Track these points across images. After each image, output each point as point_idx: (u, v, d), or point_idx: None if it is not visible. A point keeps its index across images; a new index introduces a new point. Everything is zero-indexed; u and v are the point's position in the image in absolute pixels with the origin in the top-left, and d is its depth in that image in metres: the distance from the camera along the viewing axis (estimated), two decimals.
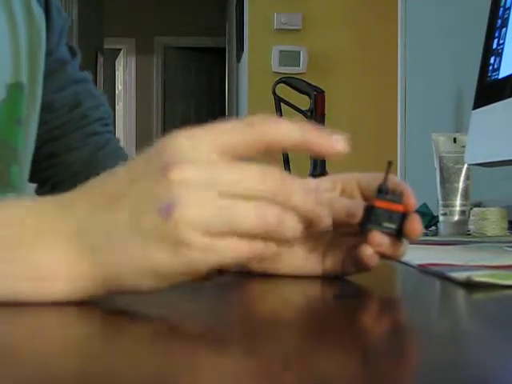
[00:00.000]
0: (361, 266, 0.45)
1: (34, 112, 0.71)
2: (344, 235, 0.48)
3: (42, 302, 0.36)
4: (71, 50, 0.82)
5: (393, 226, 0.43)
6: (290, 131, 0.37)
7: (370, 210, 0.43)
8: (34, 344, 0.28)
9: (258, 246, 0.35)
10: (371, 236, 0.43)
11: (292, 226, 0.36)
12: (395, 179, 0.45)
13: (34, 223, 0.37)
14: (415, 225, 0.43)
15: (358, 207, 0.45)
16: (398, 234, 0.43)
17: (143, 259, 0.35)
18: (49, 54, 0.76)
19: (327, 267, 0.48)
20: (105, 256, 0.35)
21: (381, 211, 0.43)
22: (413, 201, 0.44)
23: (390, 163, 0.44)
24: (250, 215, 0.35)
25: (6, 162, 0.67)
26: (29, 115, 0.70)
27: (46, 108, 0.76)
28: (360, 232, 0.44)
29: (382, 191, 0.43)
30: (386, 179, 0.44)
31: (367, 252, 0.43)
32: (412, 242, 0.46)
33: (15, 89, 0.67)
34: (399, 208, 0.43)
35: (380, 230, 0.43)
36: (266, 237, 0.35)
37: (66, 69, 0.80)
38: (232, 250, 0.35)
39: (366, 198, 0.48)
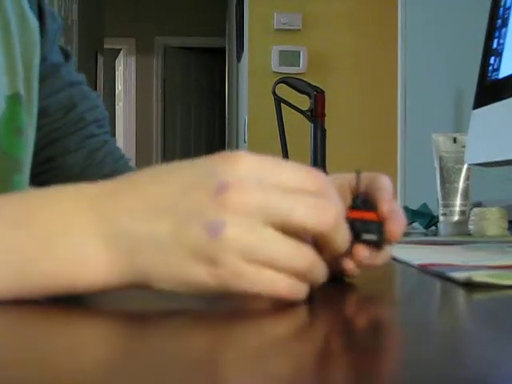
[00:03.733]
0: (341, 273, 0.45)
1: (31, 120, 0.71)
2: None
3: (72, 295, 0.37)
4: (65, 52, 0.82)
5: (372, 236, 0.42)
6: (345, 244, 0.39)
7: (348, 223, 0.42)
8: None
9: (295, 285, 0.36)
10: (353, 250, 0.42)
11: (324, 271, 0.37)
12: (382, 186, 0.45)
13: (75, 222, 0.37)
14: (394, 229, 0.43)
15: None
16: (379, 243, 0.43)
17: (179, 270, 0.35)
18: (43, 60, 0.76)
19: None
20: (143, 259, 0.36)
21: (358, 223, 0.42)
22: (386, 207, 0.43)
23: (358, 172, 0.44)
24: (295, 253, 0.35)
25: (8, 173, 0.67)
26: (28, 124, 0.70)
27: (42, 113, 0.76)
28: None
29: (356, 202, 0.43)
30: (357, 189, 0.43)
31: (349, 266, 0.44)
32: (412, 242, 0.46)
33: (13, 100, 0.67)
34: (374, 217, 0.43)
35: (361, 242, 0.42)
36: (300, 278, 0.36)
37: (59, 73, 0.80)
38: (268, 283, 0.35)
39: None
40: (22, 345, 0.28)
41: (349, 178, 0.49)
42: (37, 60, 0.72)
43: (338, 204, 0.37)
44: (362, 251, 0.43)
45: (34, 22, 0.72)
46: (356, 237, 0.42)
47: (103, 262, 0.36)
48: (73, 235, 0.36)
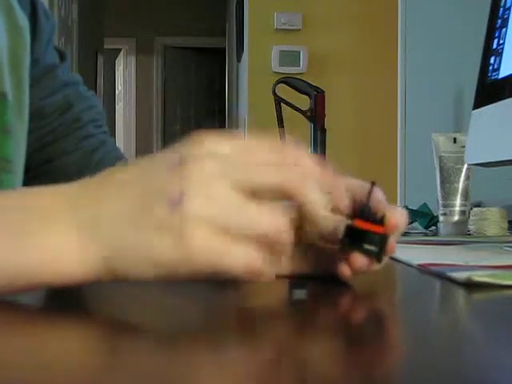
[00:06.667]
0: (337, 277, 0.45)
1: (21, 121, 0.70)
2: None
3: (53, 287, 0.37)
4: (60, 53, 0.82)
5: (373, 248, 0.42)
6: (318, 203, 0.37)
7: (351, 230, 0.42)
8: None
9: (262, 257, 0.35)
10: (352, 258, 0.43)
11: (290, 238, 0.36)
12: (379, 197, 0.45)
13: (47, 211, 0.37)
14: (392, 247, 0.43)
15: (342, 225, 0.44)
16: (378, 256, 0.43)
17: (144, 248, 0.35)
18: (36, 61, 0.75)
19: (314, 267, 0.48)
20: (112, 243, 0.36)
21: (362, 232, 0.42)
22: (394, 222, 0.43)
23: (373, 183, 0.44)
24: (262, 218, 0.34)
25: None
26: (16, 124, 0.69)
27: (38, 114, 0.76)
28: (340, 248, 0.43)
29: (365, 212, 0.43)
30: (368, 199, 0.44)
31: (346, 272, 0.44)
32: (412, 242, 0.46)
33: None
34: (380, 230, 0.43)
35: (360, 252, 0.43)
36: (268, 247, 0.35)
37: (54, 73, 0.79)
38: (237, 256, 0.34)
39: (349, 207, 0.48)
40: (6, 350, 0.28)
41: (347, 183, 0.48)
42: (27, 61, 0.71)
43: (305, 164, 0.37)
44: (360, 260, 0.43)
45: (23, 22, 0.71)
46: (357, 245, 0.42)
47: (75, 251, 0.36)
48: (46, 226, 0.37)
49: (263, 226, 0.34)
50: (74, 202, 0.38)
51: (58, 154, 0.80)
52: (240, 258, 0.34)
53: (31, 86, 0.73)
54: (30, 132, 0.74)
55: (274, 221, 0.35)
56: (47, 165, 0.80)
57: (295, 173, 0.36)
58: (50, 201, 0.38)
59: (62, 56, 0.82)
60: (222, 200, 0.34)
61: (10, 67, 0.68)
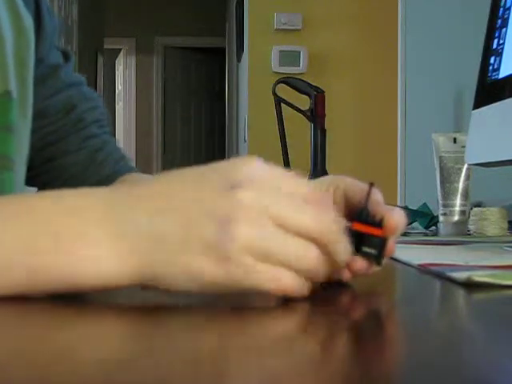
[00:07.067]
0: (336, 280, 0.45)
1: (25, 119, 0.71)
2: None
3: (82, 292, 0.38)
4: (64, 53, 0.82)
5: (373, 251, 0.42)
6: (344, 255, 0.39)
7: (350, 233, 0.42)
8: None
9: (301, 283, 0.37)
10: (351, 261, 0.42)
11: (324, 269, 0.38)
12: (377, 198, 0.45)
13: (88, 221, 0.37)
14: (391, 249, 0.44)
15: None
16: (378, 258, 0.43)
17: (187, 267, 0.36)
18: (40, 60, 0.75)
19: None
20: (154, 259, 0.36)
21: (361, 235, 0.42)
22: (392, 225, 0.43)
23: (371, 184, 0.44)
24: (303, 253, 0.37)
25: None
26: (20, 122, 0.69)
27: (41, 114, 0.76)
28: None
29: (363, 214, 0.43)
30: (366, 202, 0.43)
31: (345, 275, 0.44)
32: (412, 242, 0.46)
33: (3, 98, 0.66)
34: (379, 232, 0.42)
35: (360, 255, 0.42)
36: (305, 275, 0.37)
37: (58, 74, 0.79)
38: (275, 280, 0.36)
39: (346, 207, 0.48)
40: (21, 340, 0.28)
41: (346, 183, 0.48)
42: (31, 59, 0.72)
43: (337, 220, 0.39)
44: (360, 263, 0.43)
45: (28, 21, 0.71)
46: (356, 248, 0.42)
47: (115, 261, 0.37)
48: (86, 234, 0.37)
49: (307, 261, 0.37)
50: (116, 209, 0.38)
51: (61, 153, 0.80)
52: (281, 284, 0.36)
53: (35, 85, 0.73)
54: (34, 131, 0.74)
55: (315, 259, 0.37)
56: (49, 164, 0.80)
57: (328, 220, 0.38)
58: (92, 207, 0.38)
59: (66, 56, 0.82)
60: (269, 231, 0.36)
61: (15, 66, 0.69)
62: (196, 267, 0.36)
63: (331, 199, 0.40)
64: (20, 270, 0.37)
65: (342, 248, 0.39)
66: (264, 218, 0.36)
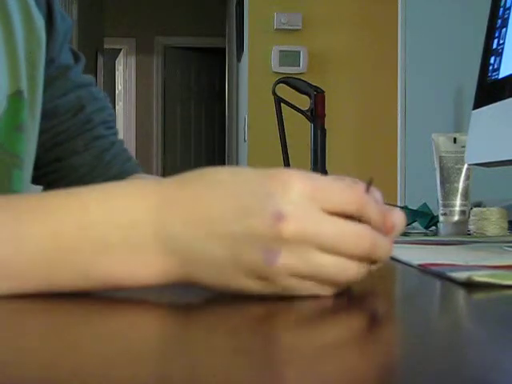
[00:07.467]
0: None
1: (33, 118, 0.71)
2: None
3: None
4: (74, 54, 0.83)
5: None
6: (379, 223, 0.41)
7: None
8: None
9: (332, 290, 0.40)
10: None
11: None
12: (376, 198, 0.45)
13: (137, 222, 0.39)
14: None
15: None
16: None
17: (231, 282, 0.38)
18: (51, 61, 0.76)
19: None
20: (197, 272, 0.39)
21: None
22: (391, 225, 0.43)
23: (370, 183, 0.44)
24: (341, 272, 0.39)
25: (8, 168, 0.68)
26: (29, 121, 0.70)
27: (51, 114, 0.77)
28: None
29: None
30: None
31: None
32: (412, 242, 0.46)
33: (15, 97, 0.67)
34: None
35: None
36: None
37: (68, 74, 0.80)
38: (312, 290, 0.39)
39: None
40: (52, 332, 0.28)
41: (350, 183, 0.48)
42: (42, 60, 0.72)
43: (376, 224, 0.41)
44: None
45: (39, 22, 0.72)
46: None
47: (160, 265, 0.38)
48: (134, 235, 0.38)
49: (346, 277, 0.40)
50: (159, 214, 0.39)
51: (69, 153, 0.81)
52: (314, 292, 0.39)
53: (46, 85, 0.74)
54: (43, 131, 0.75)
55: (356, 275, 0.40)
56: (57, 163, 0.81)
57: (368, 241, 0.39)
58: (143, 222, 0.39)
59: (76, 57, 0.83)
60: (313, 263, 0.38)
61: (26, 66, 0.69)
62: (237, 282, 0.38)
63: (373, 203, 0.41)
64: (70, 270, 0.38)
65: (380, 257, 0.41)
66: (304, 246, 0.37)
